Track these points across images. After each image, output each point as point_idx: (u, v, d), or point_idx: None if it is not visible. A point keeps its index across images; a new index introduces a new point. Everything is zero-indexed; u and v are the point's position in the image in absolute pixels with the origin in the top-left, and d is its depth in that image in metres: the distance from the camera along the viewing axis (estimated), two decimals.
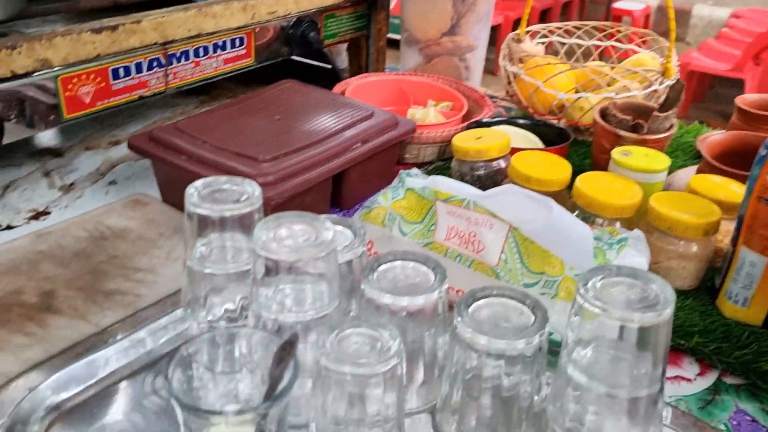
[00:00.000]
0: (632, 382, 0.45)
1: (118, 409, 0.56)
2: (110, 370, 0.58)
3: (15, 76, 0.74)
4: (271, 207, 0.71)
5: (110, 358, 0.59)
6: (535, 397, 0.51)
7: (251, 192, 0.56)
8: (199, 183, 0.56)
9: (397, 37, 1.20)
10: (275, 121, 0.83)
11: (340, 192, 0.82)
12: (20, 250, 0.73)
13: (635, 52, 1.08)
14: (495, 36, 3.90)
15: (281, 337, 0.50)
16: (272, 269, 0.50)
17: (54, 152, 0.96)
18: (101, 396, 0.57)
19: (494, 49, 3.83)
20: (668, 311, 0.44)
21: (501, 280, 0.60)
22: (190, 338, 0.45)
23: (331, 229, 0.51)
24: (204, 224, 0.55)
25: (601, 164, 0.80)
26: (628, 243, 0.59)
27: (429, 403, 0.56)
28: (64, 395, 0.55)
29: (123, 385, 0.58)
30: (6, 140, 0.76)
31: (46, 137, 1.00)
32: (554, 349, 0.50)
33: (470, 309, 0.50)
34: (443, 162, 0.94)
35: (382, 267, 0.55)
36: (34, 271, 0.70)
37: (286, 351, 0.43)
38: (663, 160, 0.75)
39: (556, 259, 0.58)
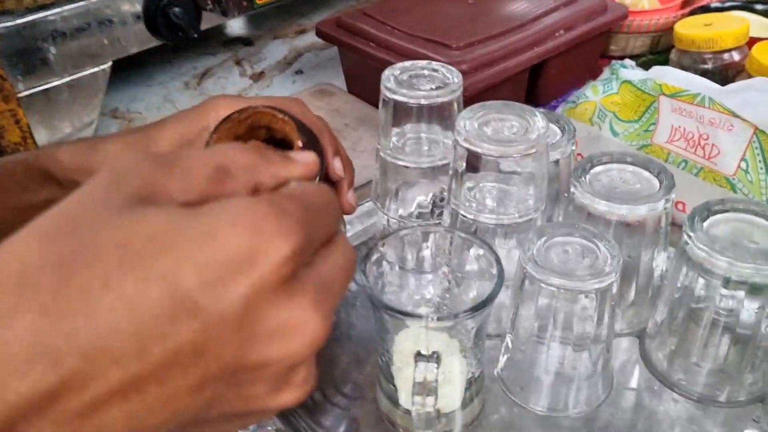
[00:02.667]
0: None
1: None
2: None
3: None
4: (463, 99, 0.66)
5: None
6: None
7: (451, 79, 0.51)
8: (396, 67, 0.52)
9: None
10: (469, 6, 0.76)
11: (536, 85, 0.75)
12: None
13: None
14: None
15: (479, 239, 0.46)
16: (474, 164, 0.45)
17: (244, 41, 0.96)
18: None
19: None
20: None
21: (737, 194, 0.51)
22: (384, 235, 0.42)
23: (544, 122, 0.44)
24: (399, 112, 0.51)
25: None
26: None
27: (637, 326, 0.50)
28: None
29: None
30: (203, 26, 0.77)
31: (237, 26, 1.00)
32: None
33: (705, 224, 0.43)
34: (655, 56, 0.82)
35: (596, 169, 0.49)
36: None
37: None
38: None
39: None
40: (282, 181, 0.26)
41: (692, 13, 0.77)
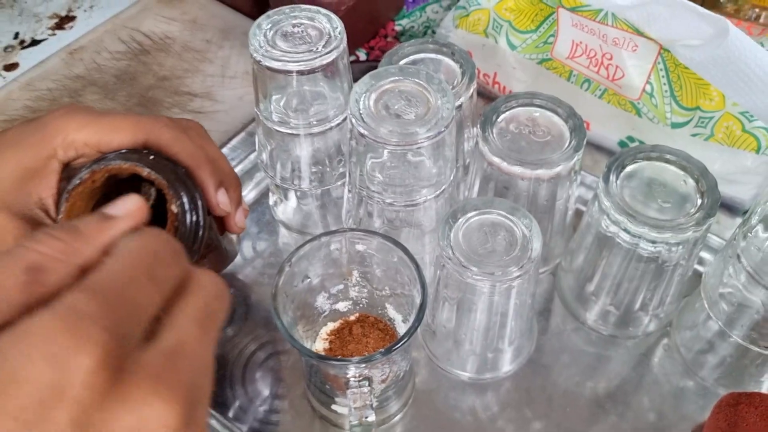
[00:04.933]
0: None
1: None
2: None
3: None
4: (341, 12, 0.58)
5: None
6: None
7: (330, 30, 0.43)
8: (263, 23, 0.43)
9: None
10: None
11: None
12: (55, 75, 0.63)
13: None
14: None
15: (391, 223, 0.42)
16: (374, 146, 0.40)
17: None
18: None
19: None
20: None
21: (642, 118, 0.49)
22: (292, 253, 0.38)
23: (447, 94, 0.39)
24: (277, 76, 0.43)
25: None
26: None
27: (552, 262, 0.50)
28: None
29: None
30: None
31: None
32: None
33: (620, 175, 0.41)
34: None
35: (502, 117, 0.45)
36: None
37: None
38: None
39: (715, 90, 0.46)
40: (108, 246, 0.23)
41: None
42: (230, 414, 0.44)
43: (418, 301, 0.36)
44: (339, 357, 0.39)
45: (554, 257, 0.50)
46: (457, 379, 0.45)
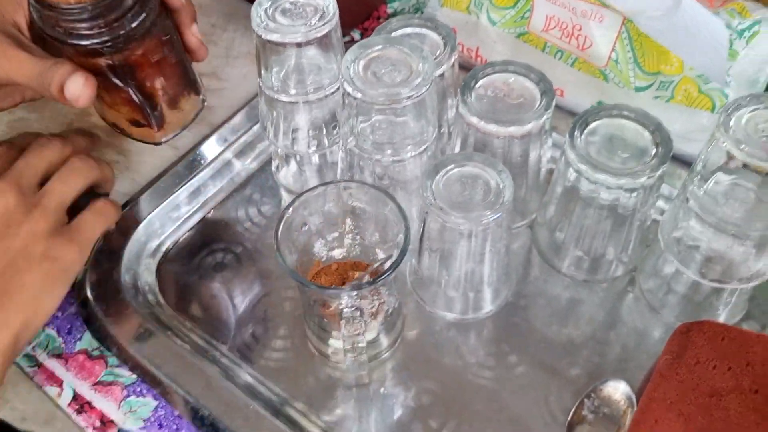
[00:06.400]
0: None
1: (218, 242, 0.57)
2: (204, 199, 0.58)
3: None
4: None
5: (203, 185, 0.58)
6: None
7: (325, 6, 0.48)
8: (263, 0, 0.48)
9: None
10: None
11: None
12: None
13: None
14: None
15: (380, 181, 0.47)
16: (365, 108, 0.45)
17: None
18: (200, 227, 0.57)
19: None
20: None
21: (609, 83, 0.54)
22: (293, 200, 0.43)
23: (428, 60, 0.44)
24: (277, 48, 0.48)
25: None
26: (761, 28, 0.51)
27: (528, 216, 0.55)
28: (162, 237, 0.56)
29: (217, 213, 0.58)
30: None
31: None
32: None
33: (584, 135, 0.46)
34: None
35: (480, 83, 0.50)
36: None
37: None
38: None
39: (674, 56, 0.51)
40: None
41: None
42: (237, 354, 0.49)
43: (402, 237, 0.41)
44: (333, 286, 0.44)
45: (530, 212, 0.54)
46: (443, 320, 0.50)
